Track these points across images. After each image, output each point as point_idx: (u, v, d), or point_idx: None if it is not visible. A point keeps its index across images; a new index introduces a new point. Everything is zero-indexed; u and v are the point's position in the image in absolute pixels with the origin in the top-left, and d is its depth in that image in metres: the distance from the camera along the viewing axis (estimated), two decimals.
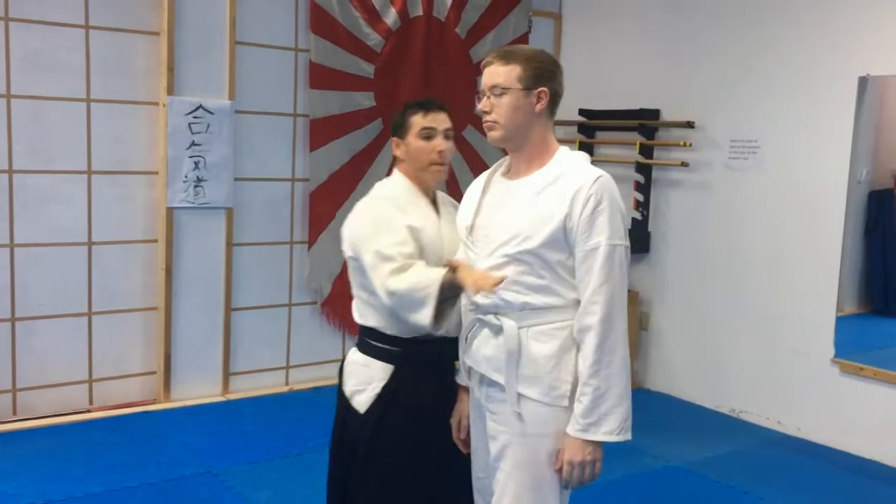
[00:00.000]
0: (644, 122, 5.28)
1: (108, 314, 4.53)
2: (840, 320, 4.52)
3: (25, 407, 4.33)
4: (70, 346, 4.43)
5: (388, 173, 5.58)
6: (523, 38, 5.71)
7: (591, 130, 5.70)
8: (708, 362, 5.08)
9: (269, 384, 5.01)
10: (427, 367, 2.32)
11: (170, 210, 4.56)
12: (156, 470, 3.76)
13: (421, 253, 2.22)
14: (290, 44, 4.88)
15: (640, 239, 5.37)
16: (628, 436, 2.01)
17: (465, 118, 5.52)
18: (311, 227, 5.04)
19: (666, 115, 5.25)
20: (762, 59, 4.76)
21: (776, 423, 4.72)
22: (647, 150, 5.31)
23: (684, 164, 5.09)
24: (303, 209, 5.03)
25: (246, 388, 4.92)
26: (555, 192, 2.01)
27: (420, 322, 2.10)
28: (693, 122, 5.05)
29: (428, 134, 2.32)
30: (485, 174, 2.26)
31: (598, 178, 2.00)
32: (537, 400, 2.03)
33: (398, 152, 2.39)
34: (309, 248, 5.05)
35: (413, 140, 2.33)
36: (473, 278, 1.97)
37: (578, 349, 2.01)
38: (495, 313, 2.08)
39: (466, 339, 2.19)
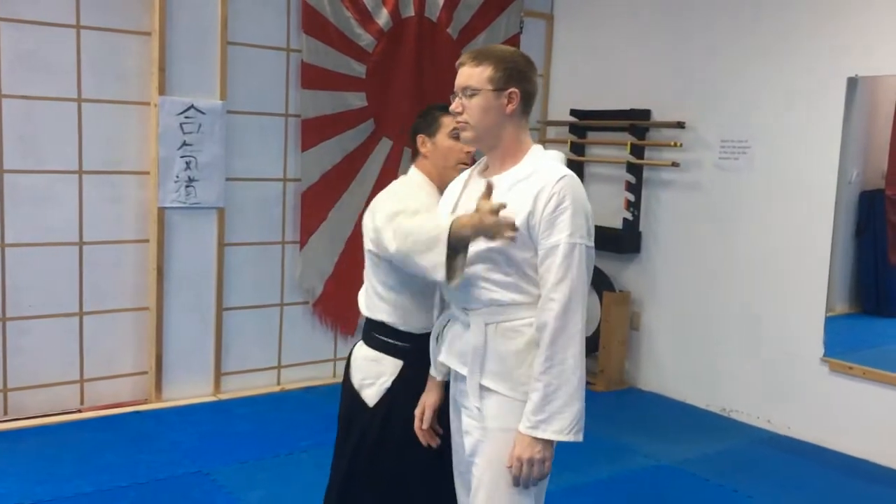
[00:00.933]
0: (635, 123, 5.30)
1: (100, 314, 4.52)
2: (830, 320, 4.55)
3: (16, 407, 4.32)
4: (61, 346, 4.42)
5: (381, 174, 5.66)
6: (515, 39, 5.73)
7: (582, 131, 5.72)
8: (699, 362, 5.10)
9: (261, 384, 5.01)
10: (422, 364, 2.35)
11: (161, 210, 4.56)
12: (147, 470, 3.76)
13: None
14: (282, 44, 4.89)
15: (630, 239, 5.38)
16: (579, 437, 1.98)
17: None
18: (303, 228, 5.04)
19: (657, 116, 5.27)
20: (752, 60, 4.78)
21: (766, 422, 4.74)
22: (638, 151, 5.33)
23: (675, 165, 5.11)
24: (294, 209, 5.03)
25: (237, 387, 4.92)
26: (521, 191, 2.03)
27: (431, 266, 2.02)
28: (684, 123, 5.07)
29: (457, 134, 2.34)
30: (465, 172, 2.31)
31: (563, 177, 2.01)
32: (505, 395, 2.04)
33: (424, 149, 2.49)
34: (301, 248, 5.05)
35: (443, 139, 2.46)
36: (488, 223, 1.90)
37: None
38: (464, 309, 2.11)
39: (439, 335, 2.26)
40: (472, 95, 2.09)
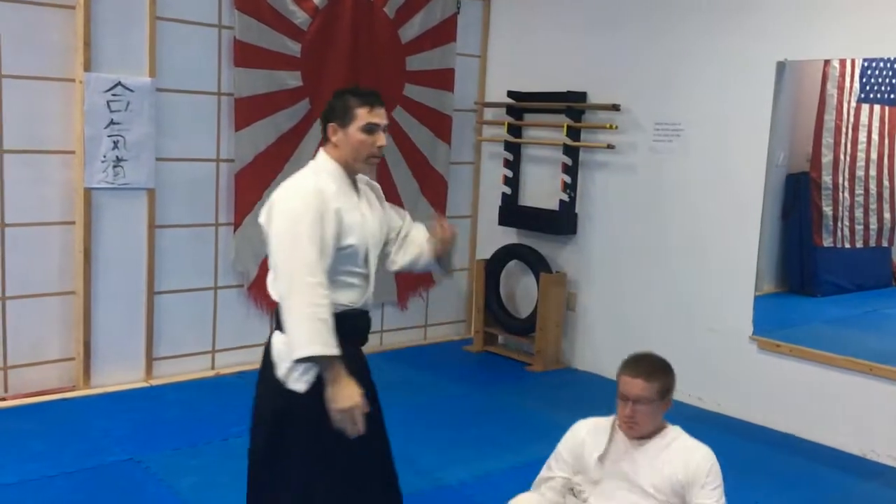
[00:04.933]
0: (571, 105, 5.33)
1: (24, 298, 4.36)
2: (758, 299, 4.67)
3: (16, 384, 4.21)
4: None
5: (315, 154, 5.59)
6: (452, 20, 5.70)
7: (519, 112, 5.73)
8: (632, 341, 5.13)
9: (195, 369, 4.92)
10: (348, 342, 2.35)
11: (87, 191, 4.41)
12: (75, 458, 3.66)
13: (344, 234, 2.36)
14: (214, 20, 4.76)
15: (567, 220, 5.43)
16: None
17: (395, 99, 5.50)
18: (237, 209, 4.95)
19: (593, 98, 5.31)
20: (685, 43, 4.85)
21: (697, 400, 4.85)
22: (574, 133, 5.37)
23: (610, 147, 5.16)
24: (228, 190, 4.93)
25: (170, 373, 4.82)
26: (668, 459, 2.60)
27: (294, 343, 2.24)
28: (619, 105, 5.12)
29: (371, 129, 2.41)
30: (604, 426, 2.71)
31: (707, 451, 2.68)
32: None
33: (335, 138, 2.42)
34: (234, 230, 4.96)
35: (355, 132, 2.40)
36: (342, 413, 2.24)
37: None
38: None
39: None
40: (644, 403, 2.52)
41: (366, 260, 2.46)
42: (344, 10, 5.13)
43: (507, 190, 5.78)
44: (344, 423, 2.25)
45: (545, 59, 5.61)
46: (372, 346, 5.61)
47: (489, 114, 5.99)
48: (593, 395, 5.00)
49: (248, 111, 4.87)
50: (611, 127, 5.13)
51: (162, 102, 4.59)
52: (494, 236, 5.92)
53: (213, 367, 5.01)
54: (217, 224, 4.93)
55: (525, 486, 3.61)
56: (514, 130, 5.75)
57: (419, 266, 2.69)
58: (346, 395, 2.24)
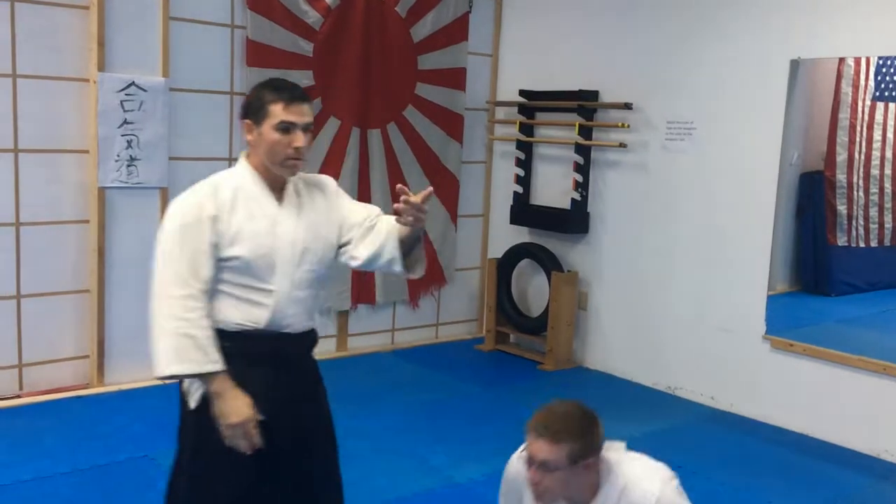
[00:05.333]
0: (583, 104, 5.32)
1: (38, 297, 4.40)
2: (771, 298, 4.64)
3: (31, 382, 4.24)
4: None
5: (329, 154, 5.63)
6: (464, 18, 5.70)
7: (530, 111, 5.72)
8: (645, 341, 5.18)
9: None
10: (257, 363, 2.22)
11: (101, 190, 4.44)
12: (88, 455, 3.68)
13: (227, 244, 2.16)
14: (226, 20, 4.78)
15: (579, 219, 5.42)
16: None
17: (406, 98, 5.51)
18: None
19: (605, 97, 5.30)
20: (698, 42, 4.83)
21: (710, 399, 4.83)
22: (586, 132, 5.36)
23: (622, 146, 5.15)
24: None
25: None
26: None
27: (157, 357, 2.12)
28: (631, 104, 5.10)
29: (286, 127, 2.16)
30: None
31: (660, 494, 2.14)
32: None
33: (249, 137, 2.22)
34: None
35: (268, 131, 2.17)
36: (230, 429, 2.12)
37: None
38: None
39: None
40: (553, 471, 2.06)
41: (272, 274, 2.20)
42: (356, 10, 5.14)
43: (519, 189, 5.78)
44: (236, 440, 2.13)
45: (557, 58, 5.60)
46: (383, 344, 5.71)
47: (501, 113, 5.99)
48: (605, 395, 5.00)
49: None
50: (623, 126, 5.11)
51: (175, 102, 4.62)
52: (506, 235, 5.91)
53: None
54: None
55: None
56: (526, 129, 5.75)
57: (383, 259, 2.34)
58: (233, 410, 2.11)
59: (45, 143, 4.31)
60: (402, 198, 2.19)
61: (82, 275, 4.51)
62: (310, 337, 2.38)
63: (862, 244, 5.93)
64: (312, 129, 2.24)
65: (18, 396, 4.35)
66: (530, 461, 2.11)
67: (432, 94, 5.61)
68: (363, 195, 5.36)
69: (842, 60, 5.26)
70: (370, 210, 2.42)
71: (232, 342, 2.19)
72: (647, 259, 5.15)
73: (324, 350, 5.37)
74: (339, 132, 5.20)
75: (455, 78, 5.73)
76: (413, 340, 5.83)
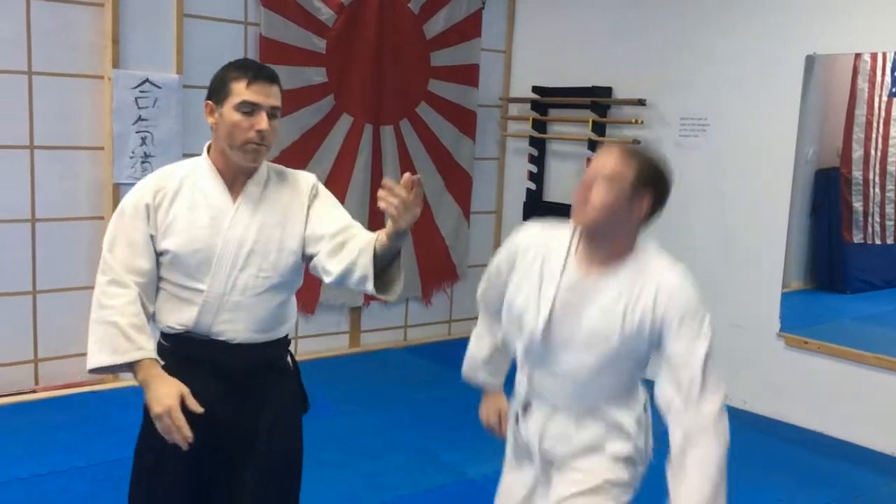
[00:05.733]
0: (596, 100, 5.30)
1: (53, 292, 4.43)
2: (786, 296, 4.62)
3: (47, 376, 4.27)
4: (14, 325, 4.33)
5: (342, 151, 5.62)
6: (476, 15, 5.69)
7: (543, 108, 5.71)
8: None
9: None
10: (192, 365, 2.04)
11: (116, 186, 4.46)
12: (103, 450, 3.71)
13: (160, 236, 2.02)
14: (240, 17, 4.79)
15: None
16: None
17: (418, 94, 5.51)
18: None
19: (618, 93, 5.28)
20: (712, 38, 4.80)
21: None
22: (599, 128, 5.34)
23: (636, 142, 5.12)
24: None
25: None
26: (628, 291, 2.00)
27: (91, 355, 2.00)
28: (644, 100, 5.08)
29: (248, 109, 1.96)
30: (552, 250, 2.07)
31: (670, 272, 2.07)
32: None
33: (210, 120, 2.04)
34: None
35: (229, 112, 1.97)
36: (164, 422, 1.93)
37: None
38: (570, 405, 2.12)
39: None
40: (606, 187, 1.91)
41: (206, 273, 2.01)
42: (369, 7, 5.14)
43: (532, 185, 5.77)
44: (166, 431, 1.93)
45: (570, 54, 5.58)
46: (395, 340, 5.72)
47: (514, 109, 5.98)
48: None
49: None
50: (636, 122, 5.09)
51: (189, 99, 4.63)
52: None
53: None
54: None
55: None
56: (539, 126, 5.74)
57: (355, 276, 2.01)
58: (157, 399, 1.92)
59: (60, 139, 4.34)
60: (384, 183, 1.89)
61: (97, 271, 4.53)
62: (258, 352, 2.08)
63: (878, 241, 5.89)
64: (279, 116, 2.03)
65: (34, 391, 4.38)
66: (589, 179, 1.93)
67: (445, 90, 5.61)
68: (376, 192, 5.30)
69: (858, 56, 5.22)
70: (348, 222, 2.11)
71: (168, 343, 2.09)
72: None
73: (336, 346, 5.39)
74: (352, 129, 5.21)
75: (468, 74, 5.72)
76: (425, 337, 5.84)
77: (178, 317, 2.04)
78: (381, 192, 1.89)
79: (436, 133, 5.61)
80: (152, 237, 2.02)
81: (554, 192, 5.73)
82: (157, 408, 1.93)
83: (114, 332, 1.96)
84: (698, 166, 4.88)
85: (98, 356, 1.98)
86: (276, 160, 4.92)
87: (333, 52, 5.05)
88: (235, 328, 2.04)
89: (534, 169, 5.76)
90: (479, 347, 2.35)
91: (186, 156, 4.64)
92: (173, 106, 4.57)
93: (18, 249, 4.30)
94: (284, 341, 2.18)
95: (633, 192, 1.93)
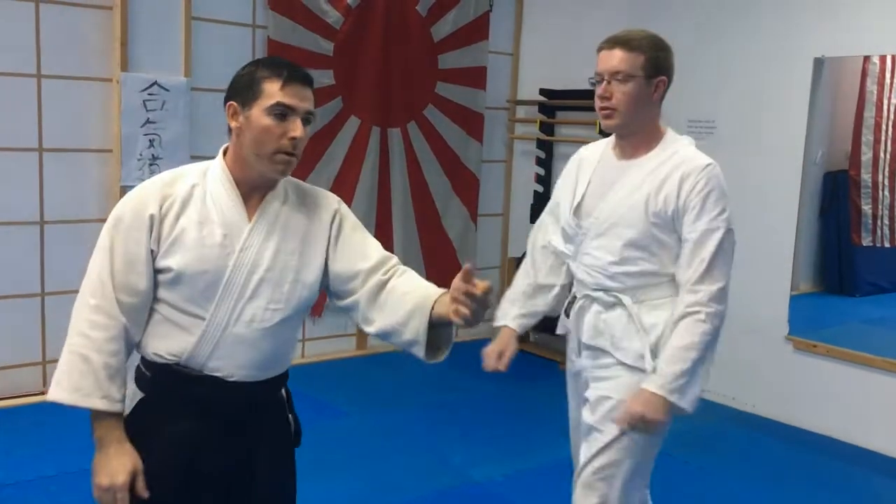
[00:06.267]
0: None
1: (62, 294, 4.44)
2: (794, 299, 4.60)
3: None
4: (22, 327, 4.33)
5: (349, 153, 5.62)
6: (484, 17, 5.69)
7: (551, 110, 5.71)
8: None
9: None
10: (182, 402, 1.79)
11: (124, 189, 4.47)
12: None
13: (165, 251, 1.76)
14: (248, 20, 4.81)
15: None
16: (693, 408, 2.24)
17: (426, 97, 5.51)
18: None
19: None
20: (720, 39, 4.79)
21: (731, 400, 4.80)
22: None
23: None
24: None
25: None
26: (663, 175, 2.17)
27: (53, 383, 1.75)
28: None
29: (282, 112, 1.73)
30: (588, 150, 2.39)
31: (708, 164, 2.17)
32: (637, 367, 2.22)
33: (234, 123, 1.78)
34: None
35: (259, 115, 1.73)
36: (98, 481, 1.74)
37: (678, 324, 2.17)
38: (606, 290, 2.26)
39: (568, 313, 2.37)
40: (624, 81, 2.14)
41: (210, 299, 1.75)
42: (376, 9, 5.15)
43: (540, 188, 5.76)
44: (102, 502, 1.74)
45: (578, 57, 5.56)
46: None
47: (521, 111, 5.97)
48: None
49: None
50: None
51: (197, 102, 4.64)
52: (526, 234, 5.85)
53: None
54: None
55: (556, 484, 3.61)
56: (547, 128, 5.73)
57: (404, 338, 1.82)
58: (109, 470, 1.72)
59: (68, 142, 4.35)
60: (464, 288, 1.65)
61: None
62: (254, 391, 1.83)
63: (887, 244, 5.86)
64: (313, 122, 1.82)
65: (42, 394, 4.39)
66: (600, 76, 2.15)
67: (452, 93, 5.61)
68: (383, 195, 5.37)
69: (867, 58, 5.20)
70: (383, 255, 1.90)
71: (150, 373, 1.81)
72: None
73: (343, 348, 5.39)
74: (360, 131, 5.21)
75: (475, 77, 5.72)
76: None
77: (170, 345, 1.78)
78: (459, 297, 1.65)
79: (443, 135, 5.62)
80: (153, 252, 1.76)
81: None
82: (104, 479, 1.72)
83: (83, 369, 1.71)
84: None
85: (58, 390, 1.73)
86: None
87: (341, 55, 5.06)
88: (233, 364, 1.78)
89: (541, 171, 5.76)
90: (515, 285, 2.52)
91: (194, 158, 4.63)
92: (181, 108, 4.58)
93: (27, 252, 4.31)
94: (284, 376, 1.93)
95: (647, 80, 2.14)
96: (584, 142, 5.45)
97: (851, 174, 5.66)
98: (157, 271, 1.76)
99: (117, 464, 1.73)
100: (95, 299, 1.74)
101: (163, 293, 1.77)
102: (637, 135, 2.21)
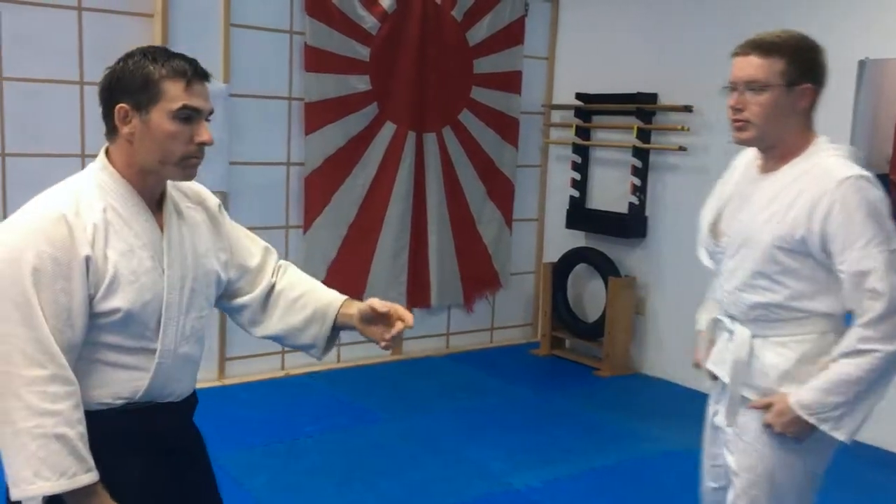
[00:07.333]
0: (641, 106, 5.25)
1: None
2: None
3: None
4: None
5: (385, 158, 5.64)
6: (519, 22, 5.67)
7: (587, 115, 5.67)
8: None
9: (265, 369, 4.99)
10: (126, 452, 1.66)
11: None
12: None
13: (106, 293, 1.57)
14: (285, 26, 4.84)
15: (636, 224, 5.35)
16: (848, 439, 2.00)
17: (461, 102, 5.50)
18: (307, 212, 5.01)
19: (664, 99, 5.22)
20: None
21: None
22: (644, 135, 5.29)
23: (682, 149, 5.06)
24: (298, 193, 5.00)
25: (242, 373, 4.90)
26: (797, 192, 1.90)
27: (11, 479, 1.51)
28: (691, 107, 5.02)
29: (188, 115, 1.61)
30: (741, 160, 2.15)
31: (846, 178, 1.84)
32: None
33: (126, 128, 1.61)
34: (304, 232, 5.02)
35: (162, 119, 1.58)
36: None
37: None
38: (730, 316, 2.08)
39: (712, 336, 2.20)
40: (759, 91, 1.90)
41: (155, 328, 1.64)
42: (412, 14, 5.15)
43: (575, 193, 5.73)
44: None
45: (614, 60, 5.54)
46: (437, 348, 5.71)
47: (556, 116, 5.95)
48: (664, 401, 4.93)
49: (317, 115, 4.93)
50: (683, 128, 5.03)
51: (235, 107, 4.68)
52: (561, 240, 5.86)
53: (283, 368, 5.08)
54: (287, 226, 5.00)
55: (597, 491, 3.59)
56: (583, 133, 5.70)
57: (301, 341, 1.88)
58: None
59: None
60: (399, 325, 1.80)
61: None
62: (192, 402, 1.83)
63: None
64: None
65: None
66: (733, 85, 1.91)
67: (488, 97, 5.60)
68: (419, 200, 5.37)
69: None
70: (263, 249, 1.93)
71: (95, 422, 1.59)
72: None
73: (378, 354, 5.37)
74: (395, 136, 5.22)
75: (510, 81, 5.70)
76: (468, 345, 5.82)
77: (119, 389, 1.62)
78: (393, 319, 1.79)
79: (478, 140, 5.60)
80: (90, 297, 1.56)
81: (598, 200, 5.68)
82: None
83: (58, 449, 1.49)
84: None
85: (38, 483, 1.49)
86: (321, 169, 5.02)
87: (377, 60, 5.07)
88: (184, 384, 1.74)
89: (577, 176, 5.72)
90: (710, 290, 2.32)
91: (233, 165, 4.72)
92: (220, 114, 4.57)
93: None
94: None
95: (787, 88, 1.86)
96: (621, 146, 5.47)
97: (892, 178, 5.54)
98: (96, 316, 1.57)
99: None
100: (45, 369, 1.50)
101: (105, 337, 1.60)
102: (777, 147, 1.97)
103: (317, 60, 4.87)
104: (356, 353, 5.19)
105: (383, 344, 1.81)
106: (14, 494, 1.51)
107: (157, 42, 4.37)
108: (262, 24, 4.75)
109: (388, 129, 5.19)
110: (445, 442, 4.09)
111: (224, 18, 4.58)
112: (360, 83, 5.03)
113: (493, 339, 5.99)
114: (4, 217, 4.14)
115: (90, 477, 1.54)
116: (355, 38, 4.98)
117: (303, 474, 3.61)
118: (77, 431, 1.53)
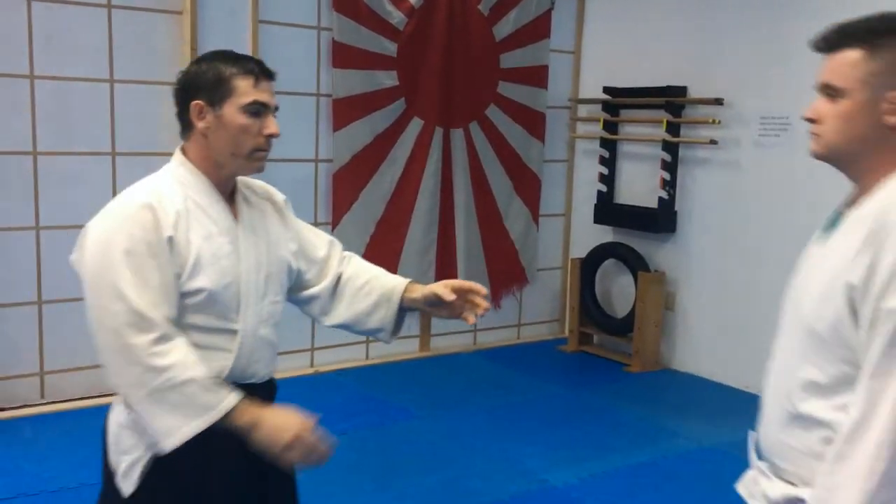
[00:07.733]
0: (671, 100, 5.20)
1: None
2: None
3: (53, 390, 4.32)
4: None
5: (412, 154, 5.62)
6: (546, 15, 5.63)
7: (615, 108, 5.63)
8: (736, 343, 5.03)
9: (294, 367, 4.98)
10: (213, 435, 1.68)
11: None
12: None
13: (189, 273, 1.69)
14: (313, 22, 4.82)
15: (666, 218, 5.30)
16: None
17: (488, 97, 5.47)
18: (335, 209, 5.00)
19: (693, 92, 5.17)
20: (794, 34, 4.65)
21: None
22: (673, 128, 5.24)
23: (713, 142, 5.01)
24: (326, 190, 4.99)
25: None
26: (853, 231, 1.44)
27: (157, 436, 1.64)
28: (722, 99, 4.96)
29: (257, 110, 1.73)
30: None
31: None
32: None
33: (201, 123, 1.74)
34: (332, 229, 5.01)
35: (233, 113, 1.72)
36: (285, 440, 1.66)
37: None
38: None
39: None
40: (833, 97, 1.45)
41: (236, 310, 1.76)
42: (439, 10, 5.13)
43: (603, 188, 5.69)
44: (306, 454, 1.69)
45: (642, 53, 5.49)
46: (465, 344, 5.69)
47: (583, 110, 5.90)
48: (695, 397, 4.88)
49: (345, 112, 4.92)
50: (713, 122, 4.98)
51: None
52: (589, 235, 5.83)
53: (311, 365, 5.07)
54: (316, 223, 4.99)
55: (633, 489, 3.56)
56: (611, 127, 5.65)
57: (368, 326, 2.00)
58: (280, 430, 1.66)
59: (140, 146, 4.41)
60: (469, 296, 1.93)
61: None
62: (272, 386, 1.92)
63: None
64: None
65: (40, 405, 4.28)
66: (817, 87, 1.46)
67: (514, 92, 5.56)
68: (446, 195, 5.35)
69: None
70: (328, 241, 2.03)
71: None
72: (738, 259, 5.00)
73: (406, 350, 5.38)
74: (423, 132, 5.19)
75: (537, 76, 5.67)
76: (495, 341, 5.80)
77: (208, 369, 1.70)
78: (473, 297, 1.94)
79: (505, 135, 5.57)
80: (177, 276, 1.68)
81: (626, 195, 5.64)
82: (286, 436, 1.66)
83: (193, 391, 1.62)
84: (779, 167, 4.75)
85: (183, 428, 1.61)
86: (349, 165, 5.01)
87: (404, 56, 5.05)
88: (264, 365, 1.85)
89: (605, 171, 5.68)
90: None
91: None
92: None
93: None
94: None
95: (872, 93, 1.39)
96: (651, 140, 5.42)
97: None
98: (184, 295, 1.69)
99: (283, 417, 1.68)
100: (148, 334, 1.61)
101: (193, 318, 1.71)
102: (852, 166, 1.51)
103: (344, 56, 4.86)
104: (384, 349, 5.18)
105: (471, 320, 1.95)
106: (169, 444, 1.62)
107: (186, 39, 4.37)
108: (290, 21, 4.74)
109: (416, 125, 5.17)
110: (479, 439, 4.07)
111: (252, 15, 4.57)
112: (388, 79, 5.01)
113: (520, 336, 5.97)
114: (36, 215, 4.17)
115: (234, 397, 1.66)
116: (383, 34, 4.96)
117: (340, 472, 3.58)
118: (201, 370, 1.64)
